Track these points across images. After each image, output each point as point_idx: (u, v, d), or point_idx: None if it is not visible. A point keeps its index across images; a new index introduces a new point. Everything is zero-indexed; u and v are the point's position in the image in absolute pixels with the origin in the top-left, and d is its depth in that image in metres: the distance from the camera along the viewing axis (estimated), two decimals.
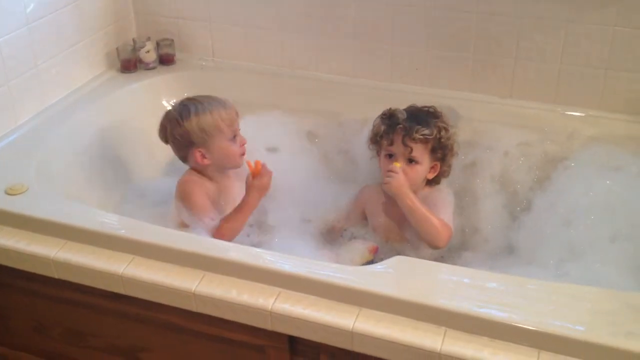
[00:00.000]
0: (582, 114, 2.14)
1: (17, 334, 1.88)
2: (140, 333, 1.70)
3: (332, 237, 2.07)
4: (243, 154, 1.98)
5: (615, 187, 1.83)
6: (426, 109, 1.97)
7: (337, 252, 1.95)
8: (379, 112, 2.02)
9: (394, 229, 1.98)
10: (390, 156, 1.92)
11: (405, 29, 2.27)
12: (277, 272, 1.49)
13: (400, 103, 2.08)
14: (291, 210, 2.11)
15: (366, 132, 2.08)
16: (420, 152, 1.90)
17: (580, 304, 1.39)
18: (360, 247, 1.95)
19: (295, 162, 2.26)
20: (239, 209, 1.88)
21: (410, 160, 1.91)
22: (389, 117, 1.94)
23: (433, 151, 1.92)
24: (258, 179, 1.88)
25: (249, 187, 1.89)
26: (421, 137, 1.89)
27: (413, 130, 1.88)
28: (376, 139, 1.97)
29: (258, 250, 1.59)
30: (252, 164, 1.89)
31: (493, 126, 2.16)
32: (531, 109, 2.18)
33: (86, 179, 2.10)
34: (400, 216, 1.94)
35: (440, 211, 1.92)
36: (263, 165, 1.89)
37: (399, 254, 1.92)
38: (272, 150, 2.27)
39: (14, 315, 1.86)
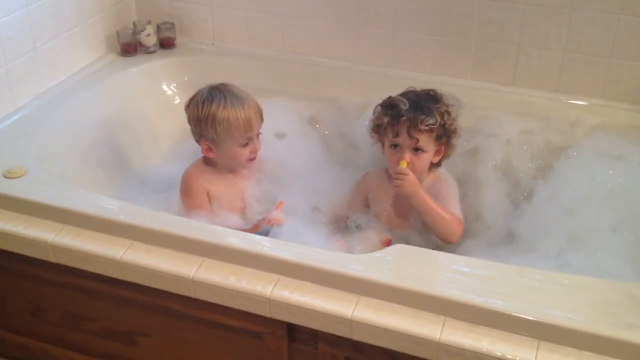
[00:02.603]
0: (585, 103, 2.13)
1: (15, 317, 1.88)
2: (138, 318, 1.70)
3: (337, 225, 2.05)
4: (252, 159, 1.95)
5: (617, 176, 1.82)
6: (425, 92, 1.94)
7: (349, 241, 1.93)
8: (380, 98, 2.00)
9: (398, 216, 1.97)
10: (395, 146, 1.90)
11: (407, 15, 2.25)
12: (276, 259, 1.48)
13: (401, 89, 2.05)
14: (299, 198, 2.08)
15: (367, 117, 2.06)
16: (425, 141, 1.88)
17: (580, 294, 1.38)
18: (373, 238, 1.92)
19: (299, 148, 2.25)
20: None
21: (416, 150, 1.89)
22: (390, 108, 1.90)
23: (438, 138, 1.90)
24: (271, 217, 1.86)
25: (260, 223, 1.87)
26: (426, 127, 1.86)
27: (418, 121, 1.85)
28: (379, 130, 1.93)
29: (257, 236, 1.58)
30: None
31: (495, 114, 2.14)
32: (534, 97, 2.17)
33: (85, 163, 2.09)
34: (405, 203, 1.93)
35: (449, 203, 1.90)
36: (282, 217, 1.86)
37: (402, 240, 1.94)
38: (279, 136, 2.25)
39: (12, 298, 1.85)
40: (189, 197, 1.95)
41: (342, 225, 2.03)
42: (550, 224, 1.78)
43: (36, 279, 1.75)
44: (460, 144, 2.12)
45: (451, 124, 1.91)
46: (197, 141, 1.96)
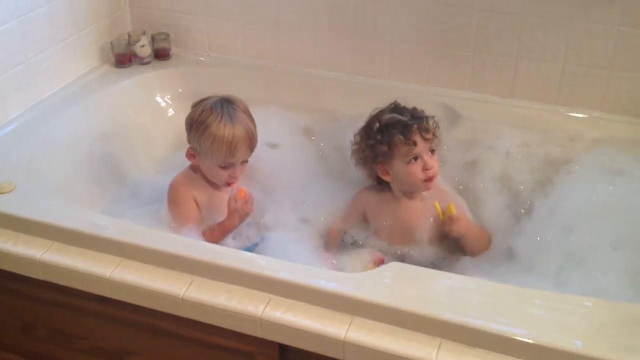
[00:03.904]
0: (585, 116, 2.10)
1: (4, 334, 1.84)
2: (128, 337, 1.66)
3: (330, 239, 2.02)
4: (229, 184, 1.90)
5: (618, 191, 1.78)
6: (393, 105, 1.95)
7: (339, 257, 1.90)
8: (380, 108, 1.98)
9: (401, 232, 1.94)
10: (415, 159, 1.87)
11: (404, 26, 2.22)
12: (268, 278, 1.45)
13: (398, 100, 2.03)
14: (289, 210, 2.07)
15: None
16: (435, 140, 1.90)
17: (579, 315, 1.34)
18: (366, 257, 1.89)
19: (292, 159, 2.22)
20: (220, 228, 1.87)
21: (432, 152, 1.89)
22: (393, 126, 1.87)
23: (436, 139, 1.91)
24: (241, 204, 1.84)
25: (230, 212, 1.85)
26: (434, 125, 1.88)
27: (425, 123, 1.86)
28: (387, 153, 1.88)
29: (249, 254, 1.56)
30: (242, 188, 1.85)
31: (494, 126, 2.11)
32: (533, 109, 2.14)
33: (78, 176, 2.06)
34: (409, 219, 1.92)
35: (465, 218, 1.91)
36: (247, 192, 1.85)
37: (402, 256, 1.91)
38: (271, 146, 2.23)
39: (1, 316, 1.82)
40: (177, 206, 1.92)
41: (334, 240, 2.00)
42: (549, 241, 1.74)
43: (25, 296, 1.72)
44: (458, 156, 2.10)
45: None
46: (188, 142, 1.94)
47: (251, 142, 1.87)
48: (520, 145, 2.06)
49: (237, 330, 1.45)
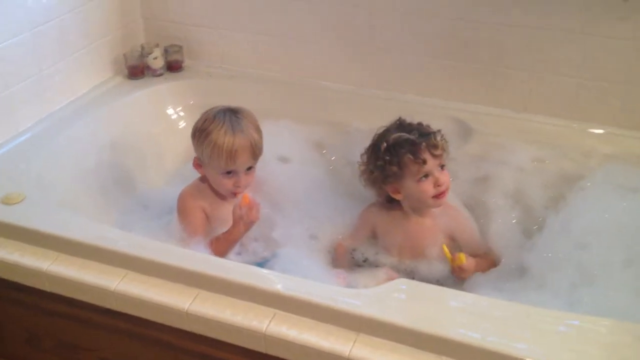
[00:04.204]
0: (600, 131, 2.07)
1: (10, 345, 1.84)
2: (134, 349, 1.65)
3: (337, 256, 2.00)
4: (234, 193, 1.88)
5: (632, 208, 1.75)
6: (398, 121, 1.93)
7: (352, 274, 1.88)
8: (388, 124, 1.96)
9: (411, 249, 1.91)
10: (426, 176, 1.85)
11: (417, 39, 2.21)
12: (273, 292, 1.43)
13: (411, 113, 2.02)
14: (298, 225, 2.04)
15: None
16: (444, 154, 1.88)
17: (590, 336, 1.31)
18: (381, 276, 1.84)
19: (302, 173, 2.20)
20: (225, 237, 1.85)
21: (442, 167, 1.86)
22: (400, 145, 1.85)
23: (445, 154, 1.89)
24: (246, 212, 1.82)
25: (235, 220, 1.84)
26: (442, 140, 1.86)
27: (432, 139, 1.84)
28: (398, 173, 1.85)
29: (255, 268, 1.54)
30: (247, 194, 1.83)
31: (507, 141, 2.09)
32: (547, 124, 2.11)
33: (88, 187, 2.06)
34: (420, 236, 1.90)
35: (475, 237, 1.92)
36: (251, 199, 1.83)
37: (412, 271, 1.88)
38: (282, 160, 2.22)
39: (7, 326, 1.82)
40: (185, 217, 1.91)
41: (342, 258, 1.98)
42: (561, 258, 1.71)
43: (31, 307, 1.72)
44: (470, 171, 2.08)
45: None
46: None
47: (252, 149, 1.85)
48: (533, 161, 2.04)
49: (241, 345, 1.44)
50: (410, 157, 1.82)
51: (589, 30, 2.00)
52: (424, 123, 1.95)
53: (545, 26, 2.04)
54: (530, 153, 2.05)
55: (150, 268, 1.53)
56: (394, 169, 1.85)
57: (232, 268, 1.52)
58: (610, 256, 1.65)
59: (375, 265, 1.93)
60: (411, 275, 1.86)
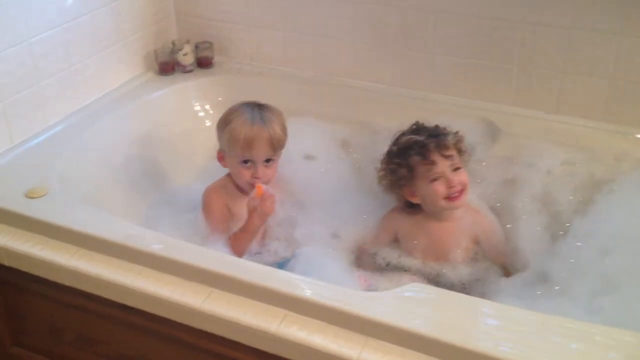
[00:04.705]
0: (633, 134, 2.00)
1: (33, 336, 1.87)
2: (150, 345, 1.66)
3: (360, 258, 1.98)
4: (252, 185, 1.87)
5: None
6: (416, 126, 1.91)
7: (376, 277, 1.87)
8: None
9: (435, 252, 1.89)
10: (436, 179, 1.82)
11: (447, 38, 2.17)
12: (284, 293, 1.42)
13: (438, 113, 2.04)
14: (320, 224, 2.03)
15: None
16: (457, 157, 1.85)
17: (609, 350, 1.26)
18: (404, 281, 1.80)
19: (328, 172, 2.20)
20: (242, 231, 1.84)
21: (455, 169, 1.83)
22: (410, 148, 1.84)
23: (461, 155, 1.86)
24: (260, 204, 1.81)
25: (250, 211, 1.84)
26: (453, 140, 1.83)
27: (442, 140, 1.82)
28: (408, 176, 1.85)
29: (267, 268, 1.53)
30: (260, 184, 1.82)
31: (537, 142, 2.05)
32: (578, 126, 2.06)
33: (115, 183, 2.07)
34: (444, 239, 1.88)
35: (499, 242, 1.89)
36: (265, 190, 1.82)
37: (436, 275, 1.86)
38: (308, 158, 2.21)
39: (30, 317, 1.84)
40: (209, 212, 1.93)
41: (369, 261, 1.96)
42: (584, 264, 1.66)
43: (52, 299, 1.74)
44: (498, 173, 2.04)
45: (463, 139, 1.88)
46: None
47: (271, 140, 1.85)
48: (563, 164, 1.99)
49: (251, 345, 1.43)
50: (419, 158, 1.80)
51: (626, 30, 1.94)
52: (450, 123, 1.92)
53: (579, 26, 1.99)
54: (560, 155, 2.00)
55: (165, 265, 1.53)
56: (404, 171, 1.83)
57: (244, 267, 1.51)
58: (635, 264, 1.60)
59: (398, 268, 1.91)
60: (435, 278, 1.83)
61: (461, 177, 1.81)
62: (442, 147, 1.80)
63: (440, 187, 1.80)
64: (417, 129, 1.89)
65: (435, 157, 1.80)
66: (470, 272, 1.85)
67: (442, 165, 1.80)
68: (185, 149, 2.30)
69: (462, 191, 1.81)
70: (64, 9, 2.06)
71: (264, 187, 1.81)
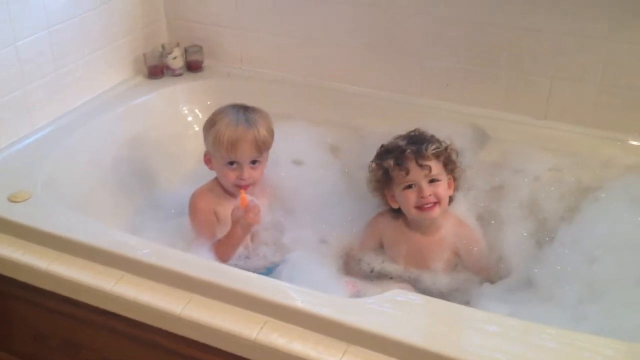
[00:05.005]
0: (621, 141, 1.99)
1: (19, 341, 1.86)
2: (132, 351, 1.65)
3: (348, 263, 1.97)
4: (238, 186, 1.86)
5: None
6: (413, 132, 1.89)
7: (364, 284, 1.86)
8: (406, 128, 1.93)
9: (416, 260, 1.88)
10: (409, 187, 1.81)
11: (436, 43, 2.16)
12: (265, 300, 1.41)
13: (427, 118, 2.03)
14: (309, 229, 2.03)
15: None
16: (437, 168, 1.82)
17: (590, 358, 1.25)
18: (391, 287, 1.81)
19: (316, 177, 2.18)
20: (226, 239, 1.83)
21: (432, 181, 1.81)
22: (389, 152, 1.85)
23: (445, 165, 1.84)
24: (244, 214, 1.79)
25: (233, 222, 1.82)
26: (433, 152, 1.81)
27: (422, 149, 1.80)
28: (385, 179, 1.85)
29: (248, 274, 1.52)
30: (245, 195, 1.80)
31: (524, 148, 2.04)
32: (566, 132, 2.05)
33: (101, 188, 2.07)
34: (425, 249, 1.87)
35: (480, 253, 1.87)
36: (250, 201, 1.79)
37: (416, 280, 1.85)
38: (296, 163, 2.20)
39: (16, 323, 1.83)
40: (195, 217, 1.92)
41: (355, 267, 1.94)
42: (570, 271, 1.65)
43: (37, 305, 1.73)
44: (484, 179, 2.04)
45: (452, 150, 1.85)
46: None
47: (256, 142, 1.84)
48: (550, 170, 1.98)
49: (231, 351, 1.42)
50: (394, 163, 1.79)
51: (615, 36, 1.93)
52: (438, 128, 1.91)
53: (568, 32, 1.98)
54: (548, 161, 1.99)
55: (146, 270, 1.52)
56: (381, 174, 1.83)
57: (225, 273, 1.50)
58: (621, 272, 1.59)
59: (382, 275, 1.90)
60: (415, 285, 1.82)
61: (437, 189, 1.79)
62: (419, 156, 1.79)
63: (411, 196, 1.80)
64: (407, 134, 1.88)
65: (410, 164, 1.79)
66: (448, 282, 1.84)
67: (416, 174, 1.79)
68: (174, 152, 2.29)
69: (436, 203, 1.79)
70: (52, 12, 2.05)
71: (248, 197, 1.79)
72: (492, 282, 1.81)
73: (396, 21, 2.19)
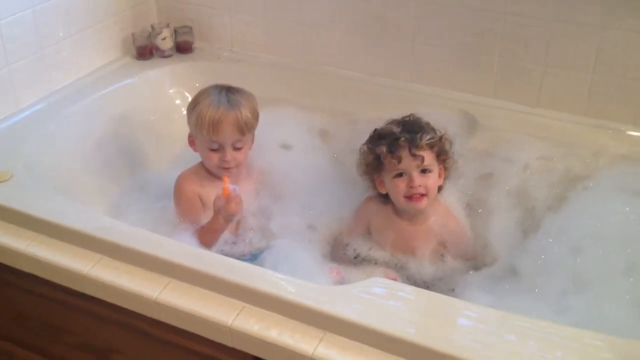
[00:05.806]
0: (613, 130, 1.96)
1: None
2: (112, 335, 1.63)
3: (336, 250, 1.95)
4: (222, 168, 1.84)
5: (635, 214, 1.65)
6: (408, 118, 1.85)
7: (349, 270, 1.83)
8: (397, 114, 1.89)
9: (402, 247, 1.85)
10: (400, 175, 1.78)
11: (428, 29, 2.13)
12: (242, 285, 1.39)
13: (418, 104, 1.99)
14: (297, 215, 2.00)
15: None
16: (430, 159, 1.78)
17: (571, 351, 1.23)
18: (377, 275, 1.79)
19: (305, 162, 2.15)
20: (208, 227, 1.80)
21: (424, 171, 1.77)
22: (382, 137, 1.80)
23: (438, 156, 1.80)
24: (225, 204, 1.76)
25: (215, 212, 1.79)
26: (428, 142, 1.76)
27: (417, 138, 1.75)
28: (376, 165, 1.81)
29: (226, 259, 1.50)
30: (227, 185, 1.76)
31: (515, 136, 2.01)
32: (558, 120, 2.02)
33: (86, 169, 2.04)
34: (411, 237, 1.84)
35: (464, 243, 1.85)
36: (232, 190, 1.76)
37: (402, 267, 1.83)
38: (285, 147, 2.17)
39: None
40: (179, 201, 1.90)
41: (340, 252, 1.92)
42: (555, 261, 1.63)
43: (15, 287, 1.71)
44: (474, 167, 2.01)
45: (447, 140, 1.82)
46: None
47: (238, 123, 1.80)
48: (540, 158, 1.95)
49: (208, 337, 1.40)
50: (387, 150, 1.76)
51: (609, 23, 1.90)
52: (429, 114, 1.88)
53: (561, 19, 1.94)
54: (538, 150, 1.96)
55: (124, 254, 1.50)
56: (372, 159, 1.79)
57: (203, 258, 1.48)
58: (606, 263, 1.56)
59: (367, 260, 1.88)
60: (401, 272, 1.80)
61: (427, 180, 1.76)
62: (413, 145, 1.74)
63: (401, 184, 1.77)
64: (402, 120, 1.83)
65: (403, 153, 1.75)
66: (434, 272, 1.82)
67: (408, 164, 1.75)
68: (161, 134, 2.27)
69: (424, 195, 1.76)
70: None
71: (231, 187, 1.76)
72: (476, 269, 1.79)
73: (389, 6, 2.15)
